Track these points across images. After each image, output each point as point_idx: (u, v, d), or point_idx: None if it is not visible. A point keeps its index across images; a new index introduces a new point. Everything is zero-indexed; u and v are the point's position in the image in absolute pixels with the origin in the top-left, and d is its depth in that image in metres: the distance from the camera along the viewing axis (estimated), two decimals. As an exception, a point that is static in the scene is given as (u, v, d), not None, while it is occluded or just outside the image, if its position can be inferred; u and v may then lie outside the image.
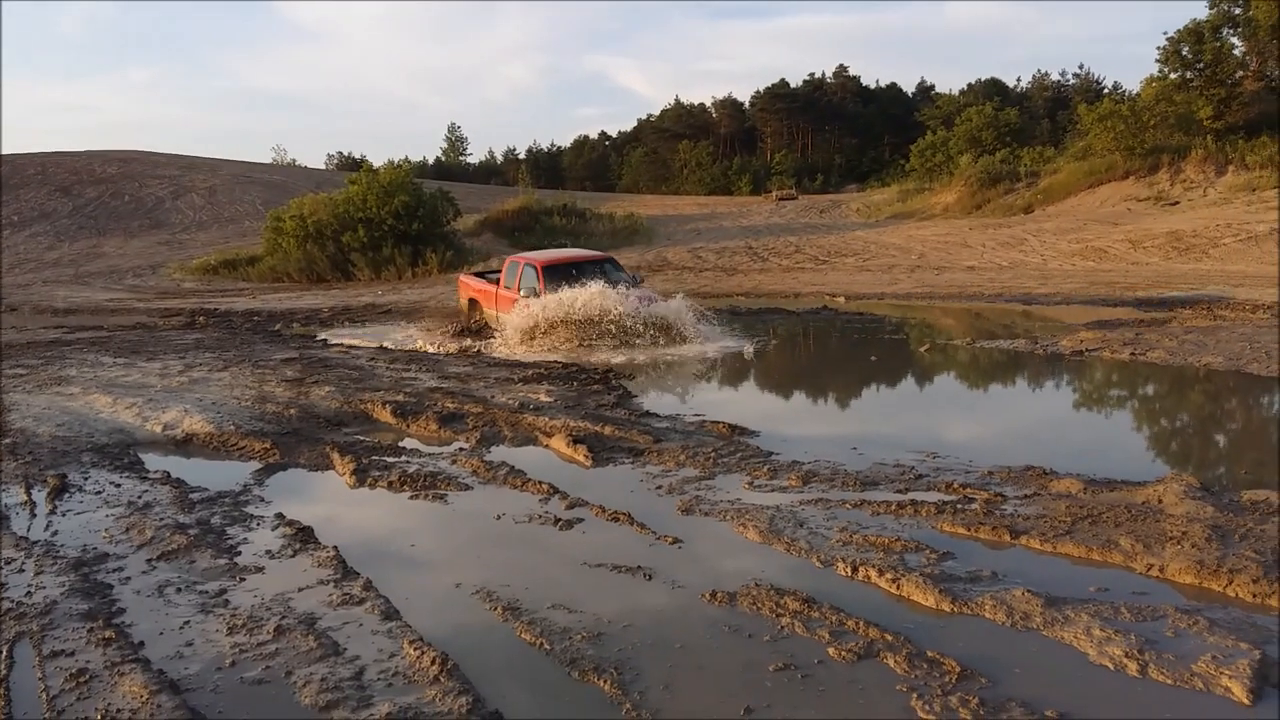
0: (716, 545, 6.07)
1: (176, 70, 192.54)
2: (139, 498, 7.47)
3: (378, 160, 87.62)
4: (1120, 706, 3.93)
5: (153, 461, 8.74)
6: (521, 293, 14.94)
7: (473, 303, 17.25)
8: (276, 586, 5.58)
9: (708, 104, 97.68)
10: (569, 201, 44.56)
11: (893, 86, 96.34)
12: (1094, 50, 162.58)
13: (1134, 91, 48.76)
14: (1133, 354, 11.58)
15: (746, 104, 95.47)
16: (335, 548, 6.11)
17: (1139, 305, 15.90)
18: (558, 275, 14.95)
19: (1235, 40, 37.67)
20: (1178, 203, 31.59)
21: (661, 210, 51.19)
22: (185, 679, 4.51)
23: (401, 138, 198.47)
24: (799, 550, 5.79)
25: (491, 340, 14.85)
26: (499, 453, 8.58)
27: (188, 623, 5.16)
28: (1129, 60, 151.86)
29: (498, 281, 16.36)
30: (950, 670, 4.20)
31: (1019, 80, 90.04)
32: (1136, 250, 24.17)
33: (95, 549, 6.34)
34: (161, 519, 6.92)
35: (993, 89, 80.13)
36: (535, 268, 15.21)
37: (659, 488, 7.28)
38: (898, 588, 5.15)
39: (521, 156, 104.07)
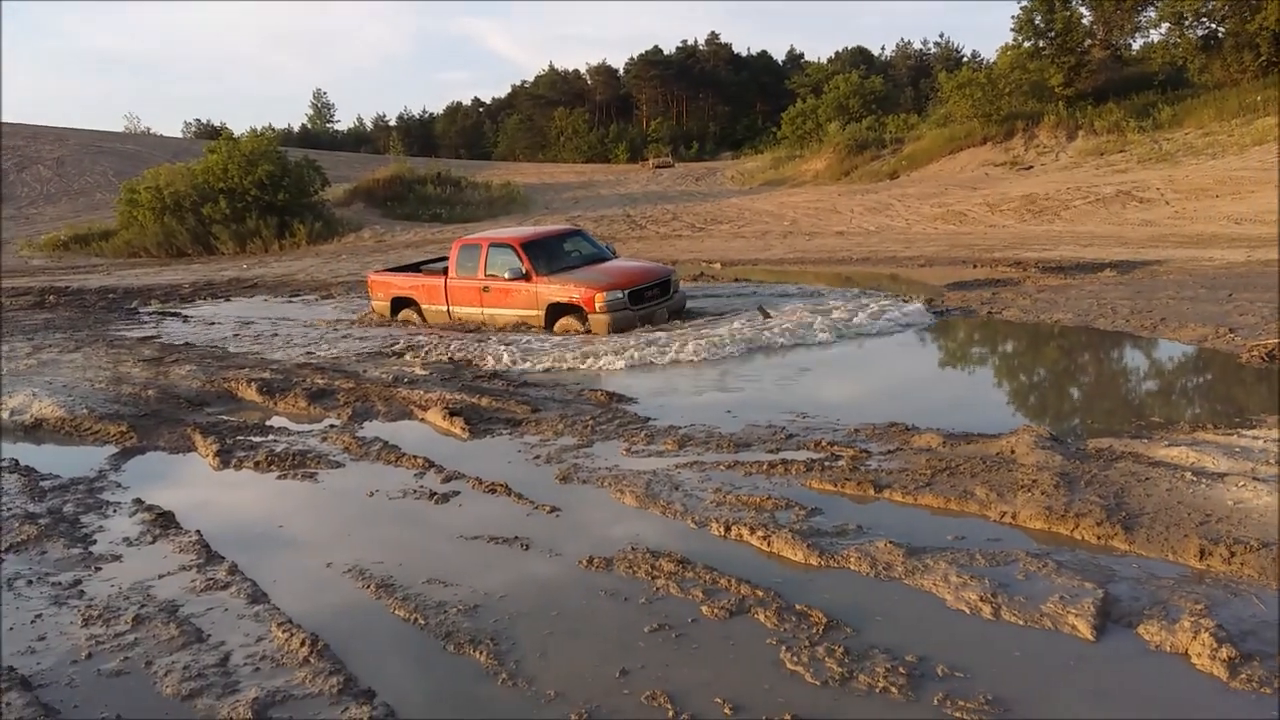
0: (594, 512, 6.11)
1: (10, 34, 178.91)
2: (-17, 489, 7.05)
3: (239, 128, 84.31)
4: (975, 648, 4.14)
5: (-2, 450, 8.27)
6: (506, 275, 12.92)
7: (401, 303, 14.39)
8: (135, 575, 5.37)
9: (582, 70, 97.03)
10: (443, 170, 43.75)
11: (764, 54, 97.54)
12: (953, 19, 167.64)
13: (991, 60, 50.64)
14: (990, 312, 12.10)
15: (621, 71, 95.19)
16: (198, 532, 5.91)
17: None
18: (541, 252, 13.16)
19: (1084, 10, 39.50)
20: (1031, 167, 33.07)
21: (539, 178, 50.78)
22: (38, 674, 4.32)
23: (264, 105, 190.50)
24: (674, 513, 5.88)
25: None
26: (372, 428, 8.41)
27: (40, 616, 4.93)
28: (987, 28, 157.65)
29: (442, 273, 13.96)
30: (817, 622, 4.35)
31: (883, 49, 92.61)
32: (994, 213, 25.21)
33: (-67, 545, 5.96)
34: (9, 509, 6.57)
35: (859, 57, 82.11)
36: (513, 247, 13.08)
37: (537, 457, 7.28)
38: (768, 545, 5.28)
39: (392, 123, 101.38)
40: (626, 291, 12.43)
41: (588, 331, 12.23)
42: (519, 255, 12.93)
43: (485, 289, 13.25)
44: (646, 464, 6.88)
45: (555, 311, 12.67)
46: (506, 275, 12.94)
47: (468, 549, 5.60)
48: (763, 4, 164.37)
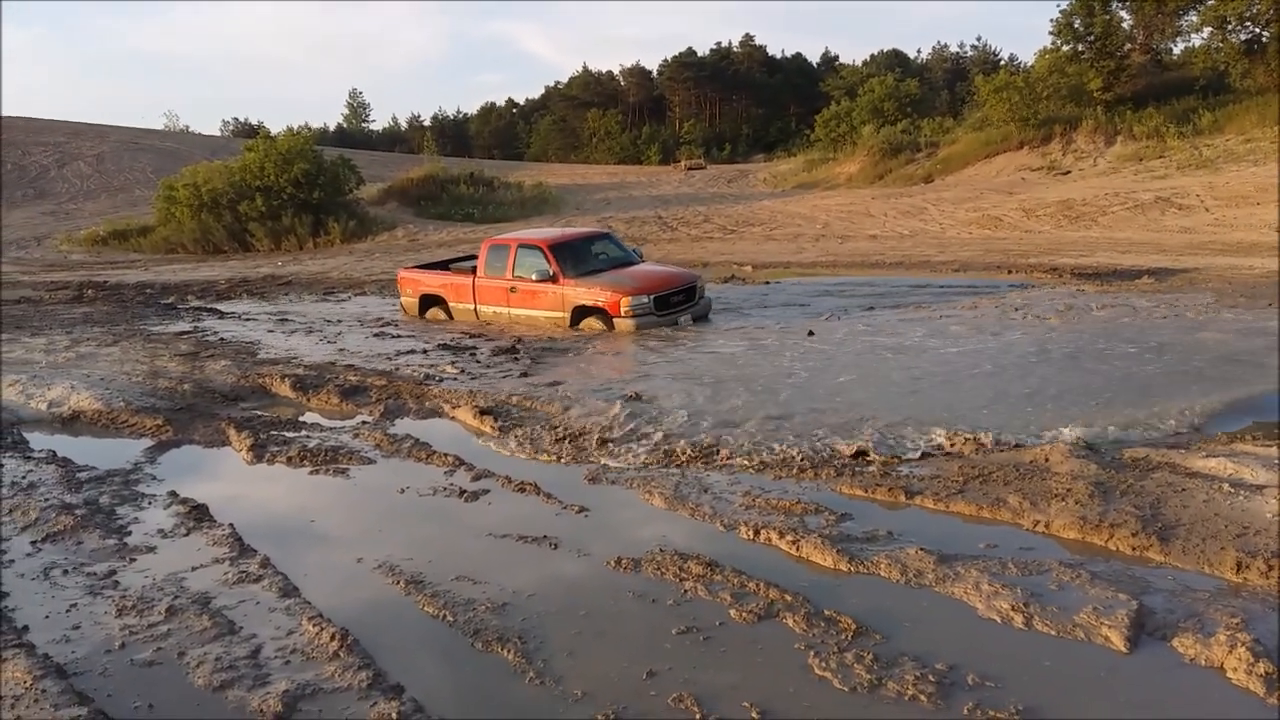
0: (623, 513, 6.12)
1: (54, 33, 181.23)
2: (23, 478, 7.17)
3: (276, 127, 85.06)
4: (1006, 657, 4.10)
5: (38, 440, 8.40)
6: (534, 277, 12.99)
7: (430, 300, 14.57)
8: (169, 566, 5.43)
9: (616, 72, 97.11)
10: (476, 170, 43.88)
11: (798, 57, 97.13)
12: (991, 21, 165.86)
13: (1028, 64, 50.13)
14: (1025, 317, 11.94)
15: (654, 73, 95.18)
16: (231, 525, 5.97)
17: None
18: (569, 254, 13.19)
19: (1124, 14, 38.98)
20: (1069, 172, 32.68)
21: (571, 179, 50.90)
22: (73, 662, 4.38)
23: (301, 104, 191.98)
24: (703, 515, 5.87)
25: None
26: (403, 425, 8.46)
27: (75, 605, 5.00)
28: (1024, 32, 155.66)
29: (471, 271, 14.05)
30: (846, 628, 4.32)
31: (919, 52, 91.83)
32: (1030, 219, 24.94)
33: (-26, 533, 6.06)
34: (47, 499, 6.66)
35: (894, 60, 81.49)
36: (541, 249, 13.12)
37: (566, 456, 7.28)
38: (798, 549, 5.26)
39: (427, 123, 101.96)
40: (652, 296, 12.47)
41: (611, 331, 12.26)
42: (546, 257, 12.99)
43: (512, 289, 13.33)
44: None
45: (580, 314, 12.74)
46: (534, 276, 13.02)
47: (497, 547, 5.62)
48: (798, 6, 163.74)
